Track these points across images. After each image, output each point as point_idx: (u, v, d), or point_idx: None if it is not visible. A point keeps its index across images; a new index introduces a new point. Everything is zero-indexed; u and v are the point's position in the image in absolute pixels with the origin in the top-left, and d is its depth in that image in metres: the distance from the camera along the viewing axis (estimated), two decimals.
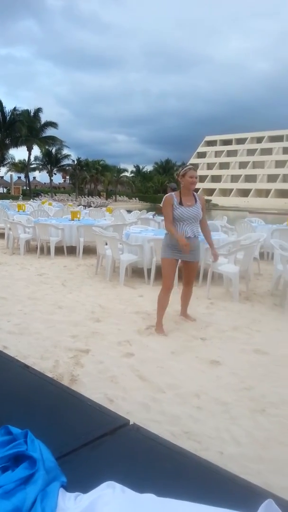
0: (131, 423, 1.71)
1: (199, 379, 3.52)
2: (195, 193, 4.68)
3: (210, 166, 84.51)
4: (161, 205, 4.74)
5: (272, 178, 73.18)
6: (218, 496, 1.26)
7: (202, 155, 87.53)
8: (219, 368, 3.74)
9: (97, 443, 1.57)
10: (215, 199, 71.97)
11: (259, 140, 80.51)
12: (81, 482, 1.33)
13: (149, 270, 6.99)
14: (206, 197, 72.09)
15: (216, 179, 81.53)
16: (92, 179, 63.57)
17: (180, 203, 4.53)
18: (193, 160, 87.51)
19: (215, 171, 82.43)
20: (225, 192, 77.64)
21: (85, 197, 53.83)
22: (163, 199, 4.63)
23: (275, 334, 4.73)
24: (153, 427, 2.68)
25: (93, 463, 1.47)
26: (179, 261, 4.76)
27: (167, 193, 4.79)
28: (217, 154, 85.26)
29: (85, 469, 1.42)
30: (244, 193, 74.66)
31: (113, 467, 1.45)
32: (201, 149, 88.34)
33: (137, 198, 64.36)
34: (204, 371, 3.69)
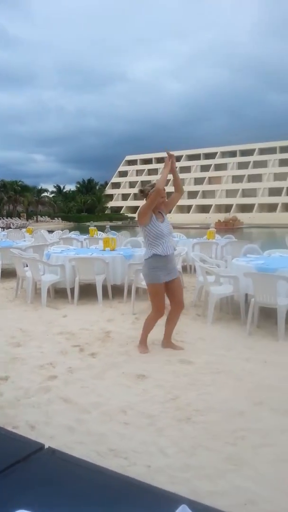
0: (46, 447, 1.62)
1: (125, 394, 3.47)
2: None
3: (132, 184, 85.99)
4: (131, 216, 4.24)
5: (192, 195, 76.14)
6: (132, 509, 1.22)
7: (123, 174, 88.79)
8: (146, 382, 3.72)
9: (9, 471, 1.46)
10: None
11: (178, 159, 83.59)
12: None
13: (72, 289, 6.86)
14: (130, 215, 73.40)
15: (138, 197, 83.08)
16: (10, 200, 61.58)
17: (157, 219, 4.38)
18: (115, 179, 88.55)
19: (138, 189, 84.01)
20: None
21: (3, 219, 51.57)
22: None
23: (199, 343, 4.83)
24: (78, 449, 2.59)
25: (4, 493, 1.37)
26: None
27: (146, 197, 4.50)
28: (138, 172, 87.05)
29: None
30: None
31: (26, 495, 1.35)
32: (122, 168, 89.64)
33: (59, 218, 63.61)
34: (130, 386, 3.64)
